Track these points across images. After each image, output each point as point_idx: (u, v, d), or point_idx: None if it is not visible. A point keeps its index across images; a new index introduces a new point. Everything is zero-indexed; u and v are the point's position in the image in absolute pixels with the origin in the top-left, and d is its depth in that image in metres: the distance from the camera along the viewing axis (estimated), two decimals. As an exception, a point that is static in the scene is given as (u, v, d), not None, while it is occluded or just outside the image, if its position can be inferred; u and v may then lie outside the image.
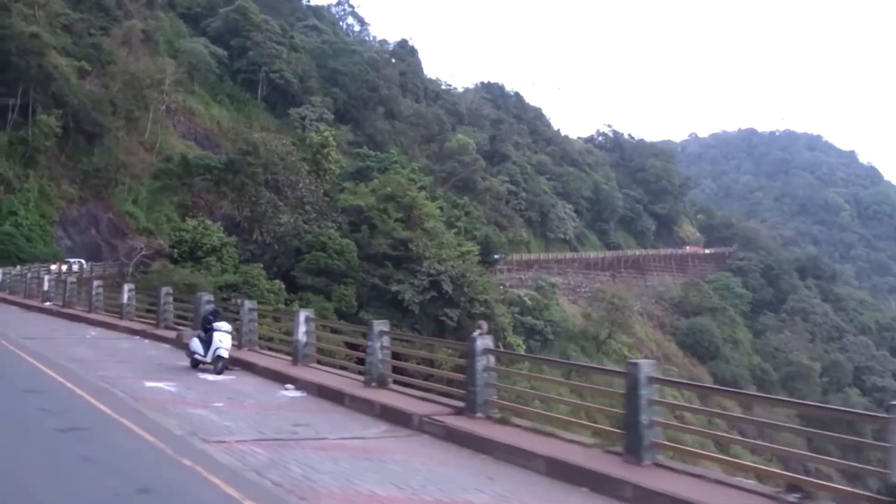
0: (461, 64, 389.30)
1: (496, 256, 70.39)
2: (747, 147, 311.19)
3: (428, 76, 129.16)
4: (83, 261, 48.71)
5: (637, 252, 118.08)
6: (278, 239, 51.52)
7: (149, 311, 21.14)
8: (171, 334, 16.01)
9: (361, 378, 10.72)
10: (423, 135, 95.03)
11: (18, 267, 33.44)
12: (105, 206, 63.04)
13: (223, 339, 12.20)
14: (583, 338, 78.79)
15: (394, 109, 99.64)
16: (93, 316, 20.25)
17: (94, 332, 17.56)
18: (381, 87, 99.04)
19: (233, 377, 11.61)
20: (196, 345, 12.60)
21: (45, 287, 24.22)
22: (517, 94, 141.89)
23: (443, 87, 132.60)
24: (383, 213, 55.37)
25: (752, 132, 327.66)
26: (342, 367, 12.95)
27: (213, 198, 57.24)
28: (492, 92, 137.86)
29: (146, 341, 16.44)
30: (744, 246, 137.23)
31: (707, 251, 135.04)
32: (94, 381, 10.73)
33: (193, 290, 32.98)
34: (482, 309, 51.68)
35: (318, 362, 12.32)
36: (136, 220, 63.81)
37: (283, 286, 42.25)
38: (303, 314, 12.23)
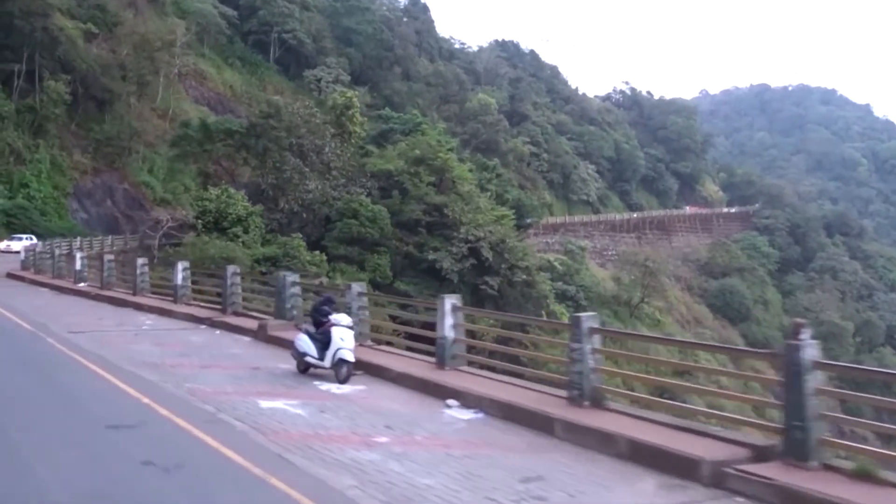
0: (474, 22, 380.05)
1: (528, 221, 67.47)
2: (760, 103, 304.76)
3: (441, 35, 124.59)
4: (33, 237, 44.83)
5: (662, 213, 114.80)
6: (306, 207, 48.64)
7: (197, 291, 18.55)
8: (246, 323, 13.41)
9: (557, 392, 7.95)
10: (442, 95, 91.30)
11: (39, 242, 30.62)
12: (120, 176, 60.24)
13: (345, 337, 9.29)
14: (615, 302, 76.23)
15: (409, 70, 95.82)
16: (139, 300, 17.40)
17: (148, 320, 14.82)
18: (395, 46, 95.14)
19: (362, 387, 8.82)
20: (305, 343, 9.69)
21: (78, 266, 21.79)
22: (532, 52, 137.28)
23: (456, 46, 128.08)
24: (414, 178, 52.35)
25: (764, 88, 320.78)
26: (514, 374, 9.65)
27: (234, 165, 54.22)
28: (507, 50, 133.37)
29: (217, 332, 13.57)
30: (768, 204, 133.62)
31: (731, 210, 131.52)
32: (188, 398, 8.10)
33: (238, 264, 30.50)
34: (524, 276, 49.01)
35: (470, 364, 9.38)
36: (153, 190, 61.06)
37: (325, 258, 39.50)
38: (448, 302, 9.37)
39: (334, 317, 9.44)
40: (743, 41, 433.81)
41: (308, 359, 9.66)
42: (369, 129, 62.31)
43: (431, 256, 47.38)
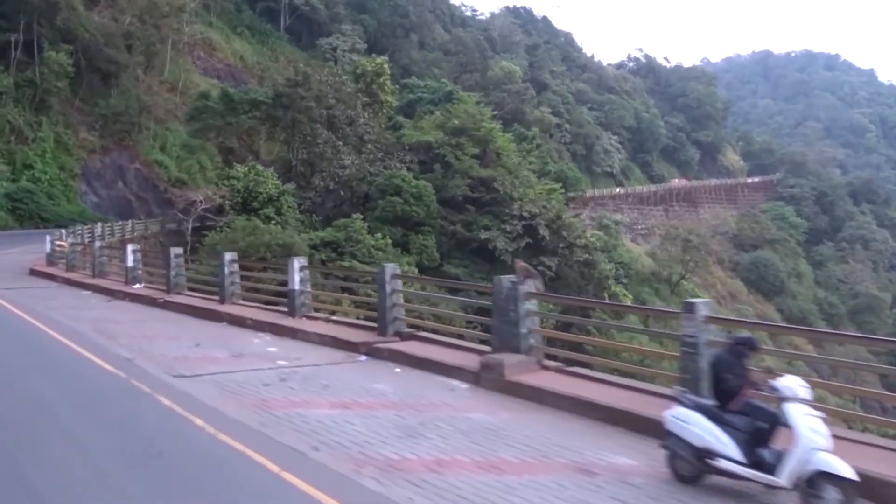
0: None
1: (571, 195, 63.03)
2: (763, 70, 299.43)
3: (452, 2, 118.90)
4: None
5: (687, 183, 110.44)
6: (342, 184, 44.15)
7: (252, 288, 14.14)
8: (425, 351, 8.79)
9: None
10: (462, 63, 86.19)
11: (65, 232, 25.97)
12: (130, 155, 55.46)
13: (816, 427, 4.85)
14: (655, 280, 72.15)
15: (425, 38, 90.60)
16: (232, 309, 12.61)
17: (269, 346, 9.93)
18: (410, 13, 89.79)
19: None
20: (707, 431, 5.18)
21: (130, 262, 16.73)
22: (545, 19, 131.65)
23: (467, 13, 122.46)
24: (456, 150, 47.81)
25: (767, 54, 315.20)
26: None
27: (257, 140, 49.47)
28: (519, 17, 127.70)
29: (398, 370, 8.52)
30: (790, 172, 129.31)
31: (754, 180, 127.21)
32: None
33: (290, 253, 26.14)
34: (584, 255, 44.74)
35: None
36: (167, 169, 56.36)
37: (390, 241, 35.05)
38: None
39: (782, 382, 5.03)
40: (742, 7, 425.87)
41: (721, 463, 5.06)
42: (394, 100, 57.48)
43: (483, 236, 43.00)
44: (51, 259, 21.81)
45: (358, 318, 12.97)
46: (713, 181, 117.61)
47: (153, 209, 54.50)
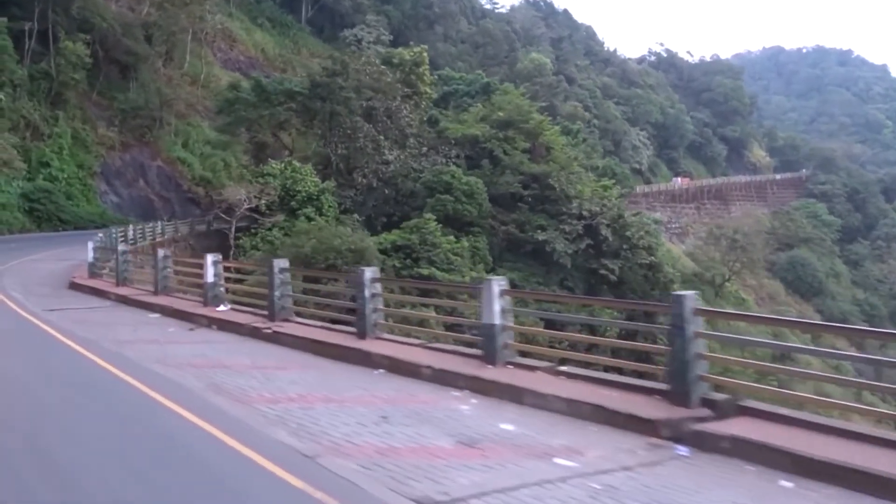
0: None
1: (624, 191, 59.49)
2: (775, 66, 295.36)
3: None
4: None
5: (718, 181, 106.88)
6: (385, 181, 40.75)
7: (321, 305, 10.76)
8: (743, 428, 5.42)
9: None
10: (490, 56, 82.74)
11: (102, 236, 22.40)
12: (152, 152, 52.09)
13: None
14: (699, 281, 68.58)
15: (448, 30, 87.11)
16: (384, 349, 8.97)
17: (494, 416, 6.46)
18: (434, 3, 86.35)
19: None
20: None
21: (210, 276, 12.54)
22: (566, 12, 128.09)
23: (487, 6, 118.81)
24: (505, 143, 44.39)
25: (779, 50, 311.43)
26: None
27: (289, 135, 45.98)
28: (540, 10, 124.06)
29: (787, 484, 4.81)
30: (819, 168, 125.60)
31: (784, 176, 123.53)
32: None
33: (362, 258, 22.75)
34: (649, 258, 41.27)
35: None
36: (190, 167, 52.99)
37: (466, 244, 31.56)
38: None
39: None
40: (752, 3, 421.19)
41: None
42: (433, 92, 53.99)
43: (541, 237, 39.52)
44: (94, 270, 18.30)
45: (455, 344, 9.61)
46: (743, 178, 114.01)
47: (176, 209, 51.17)
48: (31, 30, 48.44)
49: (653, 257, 41.59)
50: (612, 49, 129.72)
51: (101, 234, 21.98)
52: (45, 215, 41.91)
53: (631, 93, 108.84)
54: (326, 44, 76.08)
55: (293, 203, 37.32)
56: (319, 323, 10.90)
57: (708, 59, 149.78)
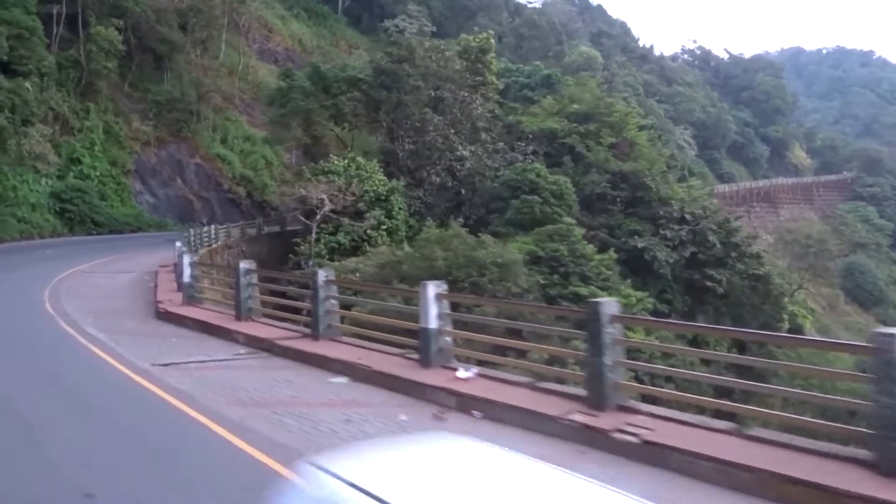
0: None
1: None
2: (795, 67, 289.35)
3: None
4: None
5: (767, 183, 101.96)
6: (460, 180, 36.20)
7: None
8: None
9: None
10: (536, 49, 78.04)
11: (182, 243, 17.52)
12: (189, 148, 47.68)
13: None
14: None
15: (490, 22, 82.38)
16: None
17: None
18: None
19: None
20: None
21: (434, 316, 7.58)
22: (600, 7, 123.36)
23: (518, 1, 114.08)
24: (587, 139, 39.79)
25: (798, 51, 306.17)
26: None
27: (341, 129, 41.32)
28: (574, 4, 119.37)
29: None
30: (864, 170, 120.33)
31: (829, 178, 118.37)
32: None
33: (508, 274, 18.20)
34: (757, 268, 36.52)
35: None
36: (230, 165, 48.55)
37: (615, 256, 26.89)
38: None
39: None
40: (769, 5, 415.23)
41: None
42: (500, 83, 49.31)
43: (640, 244, 34.75)
44: (192, 294, 13.44)
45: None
46: (789, 180, 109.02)
47: (216, 211, 46.77)
48: (60, 14, 44.23)
49: (760, 267, 36.81)
50: (647, 46, 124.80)
51: (177, 244, 17.31)
52: (78, 217, 37.49)
53: (672, 90, 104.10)
54: (364, 35, 71.78)
55: (361, 204, 32.82)
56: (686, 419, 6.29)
57: (747, 56, 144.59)
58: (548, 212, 34.02)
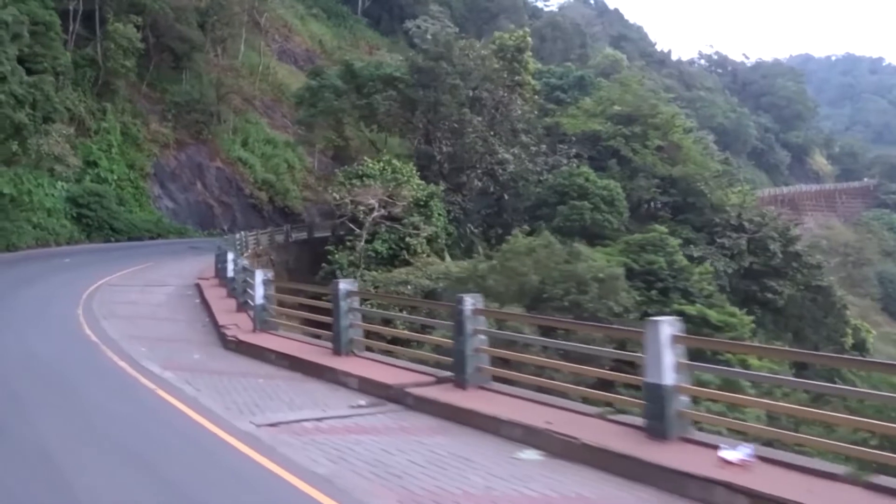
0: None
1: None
2: (805, 74, 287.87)
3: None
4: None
5: (792, 189, 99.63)
6: (502, 185, 34.04)
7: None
8: None
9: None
10: (560, 50, 75.94)
11: (236, 253, 15.07)
12: (210, 151, 45.57)
13: None
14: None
15: (512, 23, 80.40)
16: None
17: None
18: (495, -6, 79.92)
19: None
20: None
21: (668, 372, 5.26)
22: (617, 11, 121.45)
23: (536, 3, 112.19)
24: (633, 142, 37.63)
25: (807, 58, 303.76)
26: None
27: (370, 130, 39.17)
28: (590, 7, 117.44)
29: None
30: (886, 176, 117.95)
31: (852, 185, 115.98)
32: None
33: (607, 291, 16.00)
34: (819, 279, 34.23)
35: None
36: (252, 168, 46.41)
37: (710, 268, 24.64)
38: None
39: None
40: (777, 12, 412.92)
41: None
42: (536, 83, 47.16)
43: (696, 253, 32.46)
44: (265, 318, 10.99)
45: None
46: (812, 186, 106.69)
47: (237, 216, 44.66)
48: (76, 11, 42.24)
49: (820, 278, 34.51)
50: (665, 50, 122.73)
51: (230, 255, 15.00)
52: (96, 223, 35.31)
53: (693, 95, 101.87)
54: (384, 37, 69.79)
55: (398, 210, 30.63)
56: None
57: (767, 60, 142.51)
58: (598, 219, 31.89)
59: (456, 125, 34.97)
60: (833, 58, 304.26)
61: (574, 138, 37.77)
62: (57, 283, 19.25)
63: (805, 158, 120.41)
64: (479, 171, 34.22)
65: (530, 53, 42.94)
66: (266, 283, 11.23)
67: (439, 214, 31.96)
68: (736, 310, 23.22)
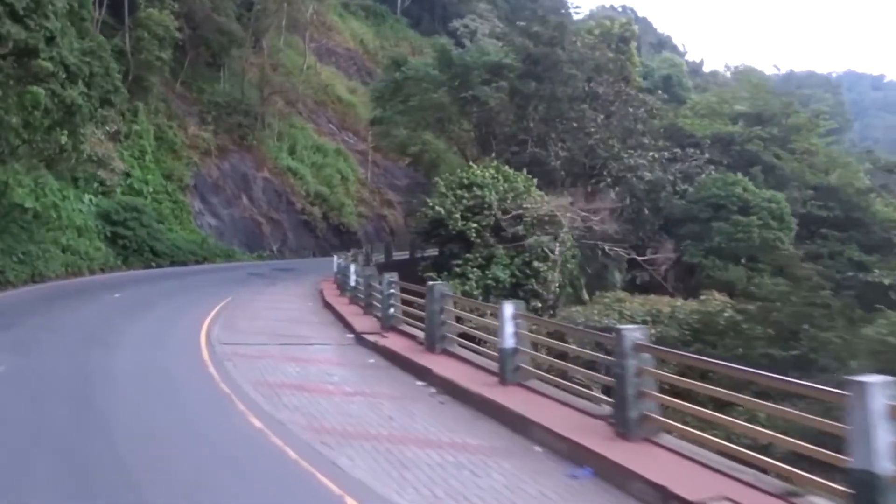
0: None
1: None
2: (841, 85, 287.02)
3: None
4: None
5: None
6: (640, 197, 27.81)
7: None
8: None
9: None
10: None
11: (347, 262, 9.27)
12: (255, 159, 39.13)
13: None
14: None
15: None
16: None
17: None
18: (539, -4, 74.25)
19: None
20: None
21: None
22: (645, 20, 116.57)
23: (562, 10, 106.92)
24: (771, 145, 31.57)
25: (810, 74, 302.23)
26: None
27: (460, 129, 32.67)
28: (620, 14, 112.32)
29: None
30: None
31: None
32: None
33: None
34: None
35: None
36: (302, 179, 40.02)
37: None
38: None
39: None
40: (775, 30, 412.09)
41: None
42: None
43: (887, 280, 26.21)
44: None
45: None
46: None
47: (288, 235, 38.20)
48: (103, -5, 35.95)
49: None
50: (698, 60, 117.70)
51: (444, 288, 8.76)
52: (134, 245, 28.64)
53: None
54: (425, 37, 63.94)
55: (520, 227, 24.27)
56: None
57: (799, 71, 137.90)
58: (768, 237, 25.65)
59: (575, 124, 28.77)
60: (834, 74, 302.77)
61: (708, 141, 31.62)
62: (137, 339, 12.76)
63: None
64: (608, 179, 27.99)
65: (636, 44, 36.96)
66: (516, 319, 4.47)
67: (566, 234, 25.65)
68: None
